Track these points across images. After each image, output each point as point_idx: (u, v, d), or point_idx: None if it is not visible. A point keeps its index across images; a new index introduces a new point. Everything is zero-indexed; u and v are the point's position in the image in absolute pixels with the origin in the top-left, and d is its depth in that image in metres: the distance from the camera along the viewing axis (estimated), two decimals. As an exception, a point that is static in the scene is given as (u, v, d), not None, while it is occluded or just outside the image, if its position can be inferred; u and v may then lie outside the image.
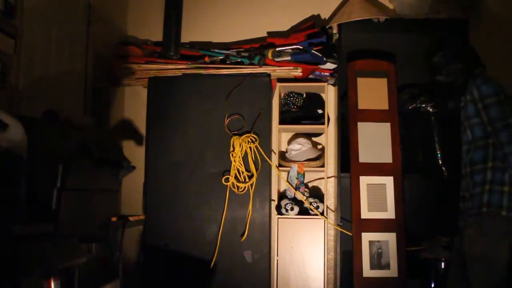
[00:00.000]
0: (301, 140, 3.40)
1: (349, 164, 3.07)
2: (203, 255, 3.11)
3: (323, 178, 3.39)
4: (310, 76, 3.38)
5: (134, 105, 3.68)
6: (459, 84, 2.32)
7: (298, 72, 3.24)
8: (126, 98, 3.74)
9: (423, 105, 3.18)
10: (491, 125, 2.15)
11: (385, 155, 3.04)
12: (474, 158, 2.24)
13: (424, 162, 3.24)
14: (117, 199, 3.44)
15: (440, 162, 3.14)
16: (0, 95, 2.27)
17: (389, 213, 2.96)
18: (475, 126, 2.23)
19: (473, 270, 2.20)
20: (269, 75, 3.23)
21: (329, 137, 3.43)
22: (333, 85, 3.45)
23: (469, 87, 2.22)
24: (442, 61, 2.42)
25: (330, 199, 3.47)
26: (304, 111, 3.43)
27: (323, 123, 3.34)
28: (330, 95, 3.49)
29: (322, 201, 3.28)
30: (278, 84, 3.35)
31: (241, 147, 3.12)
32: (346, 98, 3.19)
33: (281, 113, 3.41)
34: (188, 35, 3.55)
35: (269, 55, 3.26)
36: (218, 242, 3.10)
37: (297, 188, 3.31)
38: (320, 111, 3.41)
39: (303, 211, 3.28)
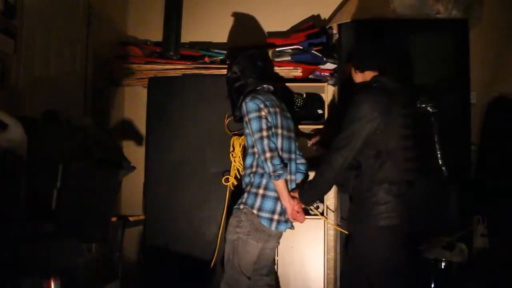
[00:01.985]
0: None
1: (349, 164, 3.06)
2: (203, 255, 3.11)
3: (323, 178, 3.38)
4: (310, 76, 3.38)
5: (134, 105, 3.68)
6: (240, 100, 2.60)
7: (298, 72, 3.24)
8: (126, 98, 3.74)
9: (423, 105, 3.17)
10: (253, 136, 2.49)
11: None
12: (246, 163, 2.61)
13: (424, 162, 3.22)
14: (117, 199, 3.45)
15: (440, 162, 3.13)
16: (0, 95, 2.28)
17: (389, 213, 2.95)
18: (247, 136, 2.57)
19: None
20: (269, 75, 3.23)
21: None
22: (333, 85, 3.44)
23: (242, 104, 2.55)
24: (228, 79, 2.71)
25: (330, 199, 3.46)
26: (304, 111, 3.43)
27: (323, 123, 3.34)
28: (330, 95, 3.49)
29: (322, 201, 3.28)
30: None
31: (241, 147, 3.12)
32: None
33: (281, 113, 3.40)
34: (188, 35, 3.55)
35: (269, 55, 3.26)
36: (218, 242, 3.09)
37: (297, 188, 3.31)
38: (320, 111, 3.41)
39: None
